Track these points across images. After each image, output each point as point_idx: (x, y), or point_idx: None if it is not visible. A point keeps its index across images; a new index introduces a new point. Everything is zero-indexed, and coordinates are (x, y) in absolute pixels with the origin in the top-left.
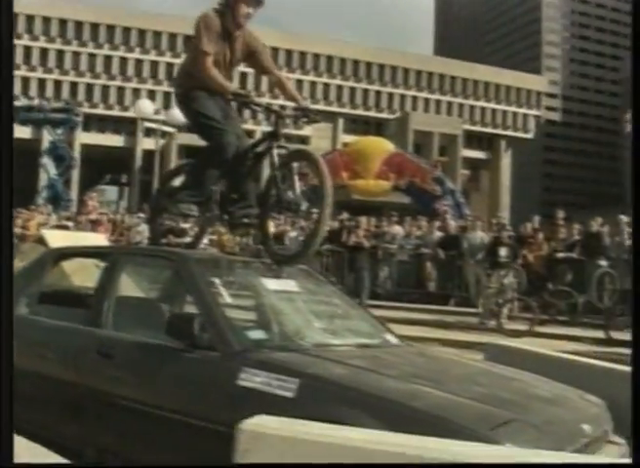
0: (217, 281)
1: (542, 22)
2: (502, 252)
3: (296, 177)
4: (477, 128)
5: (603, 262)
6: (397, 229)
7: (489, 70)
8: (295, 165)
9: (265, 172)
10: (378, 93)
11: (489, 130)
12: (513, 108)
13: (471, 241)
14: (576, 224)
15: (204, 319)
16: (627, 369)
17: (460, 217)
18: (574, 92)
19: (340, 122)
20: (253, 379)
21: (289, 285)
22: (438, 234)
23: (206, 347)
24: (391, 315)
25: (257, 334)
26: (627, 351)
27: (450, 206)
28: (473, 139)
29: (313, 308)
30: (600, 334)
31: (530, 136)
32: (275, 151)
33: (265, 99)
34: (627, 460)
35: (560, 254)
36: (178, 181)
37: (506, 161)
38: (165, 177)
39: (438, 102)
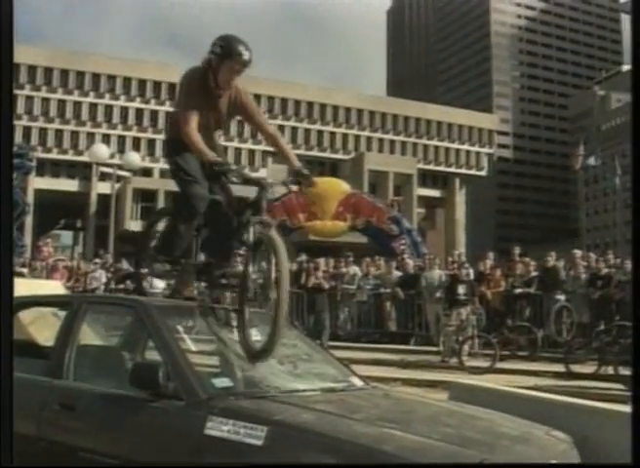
0: (180, 328)
1: (493, 62)
2: (461, 289)
3: (270, 263)
4: (431, 166)
5: (560, 296)
6: (355, 269)
7: (441, 110)
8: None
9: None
10: (332, 134)
11: (443, 168)
12: (466, 146)
13: (429, 279)
14: (532, 260)
15: (168, 367)
16: (591, 403)
17: (418, 256)
18: (525, 129)
19: None
20: (220, 428)
21: (252, 330)
22: (397, 274)
23: (171, 396)
24: (353, 356)
25: (222, 382)
26: (587, 384)
27: (407, 245)
28: (428, 178)
29: (277, 353)
30: (560, 368)
31: (483, 173)
32: (253, 228)
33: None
34: (627, 460)
35: (518, 290)
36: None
37: (461, 198)
38: (147, 227)
39: (392, 142)
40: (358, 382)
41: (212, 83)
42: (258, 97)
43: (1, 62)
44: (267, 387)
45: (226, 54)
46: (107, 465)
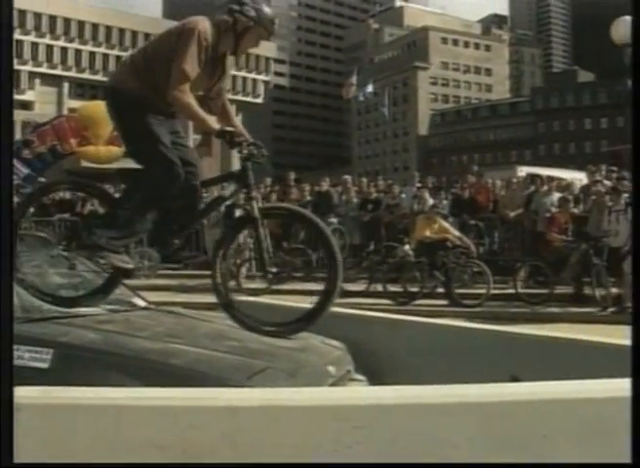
0: None
1: None
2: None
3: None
4: None
5: (333, 219)
6: None
7: None
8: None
9: None
10: (105, 56)
11: None
12: (243, 73)
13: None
14: (306, 185)
15: None
16: (359, 312)
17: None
18: (301, 58)
19: (66, 86)
20: None
21: (28, 254)
22: None
23: None
24: (130, 282)
25: None
26: (358, 300)
27: None
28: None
29: (57, 277)
30: None
31: (259, 100)
32: (255, 204)
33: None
34: (627, 460)
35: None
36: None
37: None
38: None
39: None
40: (141, 303)
41: (227, 47)
42: (23, 12)
43: (1, 61)
44: (49, 311)
45: (260, 20)
46: None
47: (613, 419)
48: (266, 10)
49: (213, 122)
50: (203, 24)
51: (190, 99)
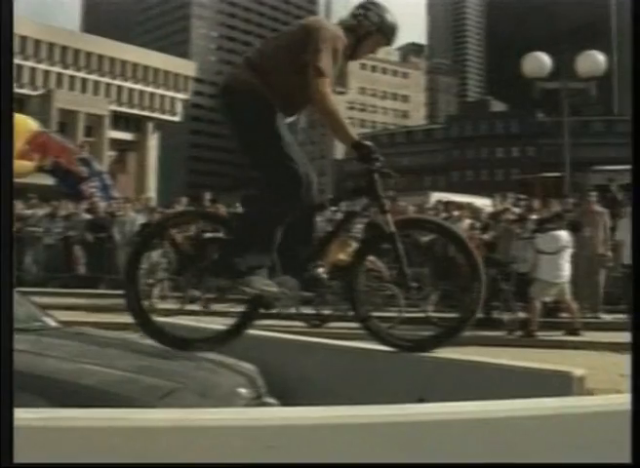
0: None
1: (192, 8)
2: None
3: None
4: (124, 109)
5: None
6: (41, 212)
7: (138, 51)
8: None
9: None
10: (19, 67)
11: (136, 111)
12: (161, 91)
13: (121, 223)
14: (222, 206)
15: None
16: (274, 334)
17: (108, 199)
18: (220, 78)
19: None
20: None
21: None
22: (86, 216)
23: None
24: (41, 301)
25: None
26: (272, 322)
27: (97, 188)
28: (120, 120)
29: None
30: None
31: (177, 118)
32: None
33: None
34: (627, 460)
35: (208, 235)
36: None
37: (153, 143)
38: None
39: (84, 81)
40: (52, 322)
41: (347, 50)
42: None
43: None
44: None
45: (382, 27)
46: None
47: (523, 438)
48: (390, 17)
49: (352, 131)
50: (337, 27)
51: (336, 104)
